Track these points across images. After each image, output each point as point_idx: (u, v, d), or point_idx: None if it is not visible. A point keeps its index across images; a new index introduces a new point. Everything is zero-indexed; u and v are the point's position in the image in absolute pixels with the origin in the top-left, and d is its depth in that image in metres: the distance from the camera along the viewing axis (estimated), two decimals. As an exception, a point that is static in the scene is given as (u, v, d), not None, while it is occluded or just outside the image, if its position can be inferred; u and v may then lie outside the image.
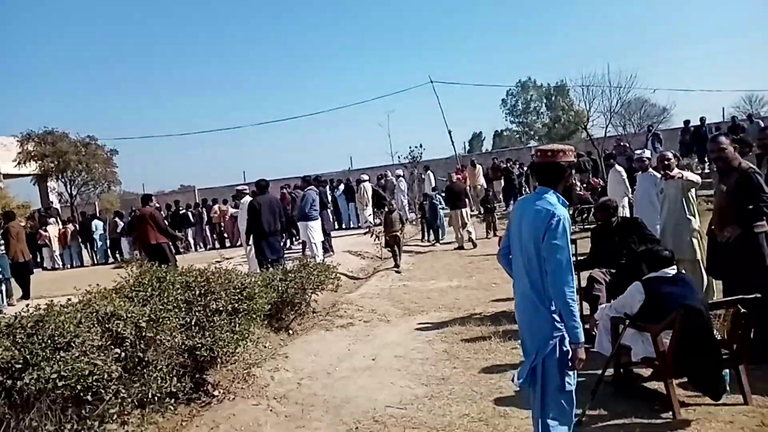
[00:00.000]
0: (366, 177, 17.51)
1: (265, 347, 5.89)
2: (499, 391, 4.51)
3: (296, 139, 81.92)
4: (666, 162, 5.98)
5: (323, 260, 9.37)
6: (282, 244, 11.73)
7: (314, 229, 11.06)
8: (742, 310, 3.84)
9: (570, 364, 2.88)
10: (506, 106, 56.87)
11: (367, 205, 16.67)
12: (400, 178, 18.33)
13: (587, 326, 5.18)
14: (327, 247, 11.96)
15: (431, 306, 7.53)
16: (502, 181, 19.13)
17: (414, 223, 16.98)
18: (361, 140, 70.19)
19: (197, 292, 5.01)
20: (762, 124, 13.59)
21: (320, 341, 6.21)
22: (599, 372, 3.92)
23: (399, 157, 18.73)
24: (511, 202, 17.74)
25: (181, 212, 18.78)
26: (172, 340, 4.13)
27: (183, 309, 4.68)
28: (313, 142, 76.97)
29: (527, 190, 18.85)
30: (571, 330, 2.84)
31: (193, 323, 4.70)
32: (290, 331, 6.56)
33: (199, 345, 4.58)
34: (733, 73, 67.02)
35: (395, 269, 10.35)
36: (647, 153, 7.51)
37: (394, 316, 7.14)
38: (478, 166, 19.18)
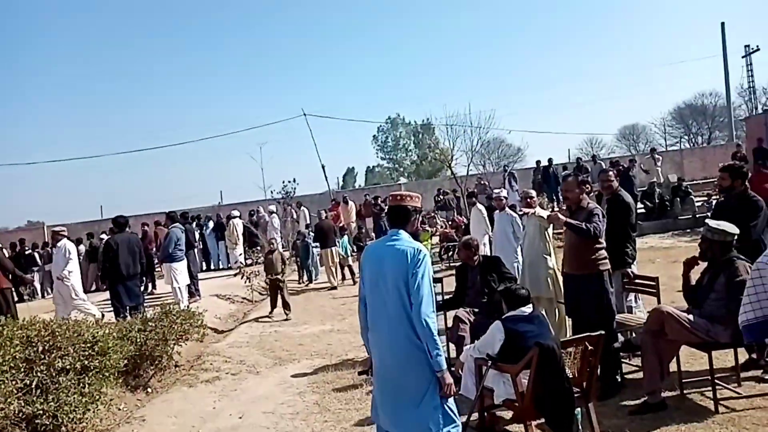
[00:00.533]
0: (237, 213, 16.86)
1: (119, 410, 5.38)
2: (370, 443, 4.46)
3: (161, 171, 77.57)
4: (528, 200, 6.42)
5: (188, 306, 8.83)
6: (143, 288, 10.90)
7: (179, 272, 10.43)
8: (589, 347, 4.14)
9: (443, 391, 3.08)
10: (377, 142, 58.59)
11: (237, 244, 15.92)
12: (273, 215, 17.88)
13: (453, 368, 5.35)
14: (193, 291, 11.32)
15: (303, 353, 7.34)
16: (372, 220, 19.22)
17: (288, 262, 16.62)
18: (231, 174, 68.18)
19: (40, 349, 4.49)
20: (603, 165, 15.24)
21: (182, 400, 5.77)
22: (465, 417, 4.01)
23: (272, 192, 18.46)
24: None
25: (27, 252, 16.97)
26: (7, 407, 3.63)
27: (22, 369, 4.17)
28: (180, 175, 73.53)
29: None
30: (436, 358, 3.04)
31: (33, 386, 4.18)
32: (149, 390, 6.05)
33: (40, 412, 4.07)
34: (577, 118, 75.03)
35: (268, 315, 9.83)
36: (504, 192, 8.02)
37: (264, 367, 6.84)
38: (350, 202, 19.16)
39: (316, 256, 13.70)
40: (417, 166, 55.36)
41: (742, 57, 34.16)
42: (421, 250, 3.13)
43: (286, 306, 9.74)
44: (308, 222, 17.68)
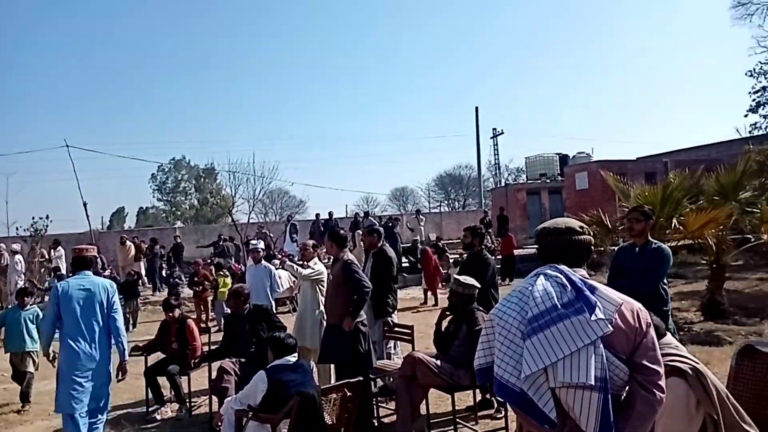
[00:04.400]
0: (-32, 251, 14.15)
1: None
2: None
3: None
4: (305, 251, 6.53)
5: None
6: None
7: None
8: (349, 394, 4.30)
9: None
10: (156, 182, 55.01)
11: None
12: (17, 255, 15.32)
13: (214, 421, 5.10)
14: None
15: (39, 413, 6.30)
16: (144, 263, 17.56)
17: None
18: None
19: None
20: (371, 222, 16.35)
21: None
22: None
23: (17, 229, 15.90)
24: (157, 284, 16.65)
25: None
26: None
27: None
28: None
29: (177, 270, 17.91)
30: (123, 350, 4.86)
31: None
32: None
33: None
34: (355, 176, 79.82)
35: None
36: (261, 244, 8.08)
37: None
38: (128, 243, 17.18)
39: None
40: (196, 210, 53.11)
41: (491, 138, 40.16)
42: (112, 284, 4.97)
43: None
44: (62, 264, 15.53)
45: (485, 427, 5.06)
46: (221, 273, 11.89)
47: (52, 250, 16.53)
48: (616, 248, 5.49)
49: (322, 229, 19.13)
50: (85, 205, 20.45)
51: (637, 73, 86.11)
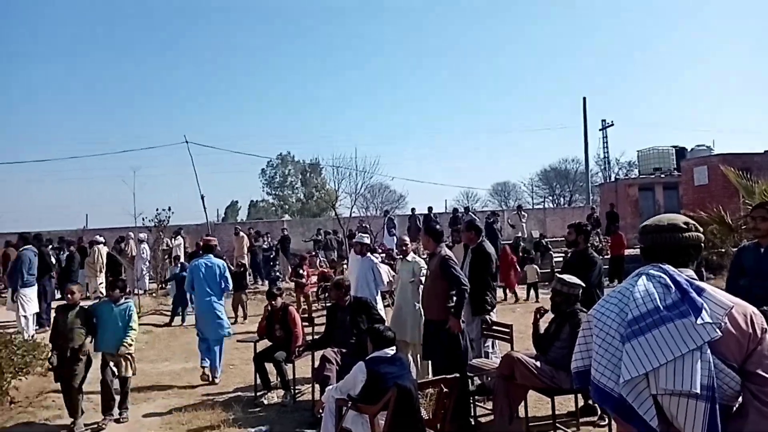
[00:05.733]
0: (101, 239, 15.59)
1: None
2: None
3: (20, 187, 70.49)
4: (404, 247, 6.65)
5: (33, 337, 8.03)
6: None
7: (28, 298, 9.51)
8: (445, 390, 4.33)
9: None
10: (265, 177, 57.87)
11: (100, 272, 14.71)
12: (143, 243, 16.78)
13: (316, 409, 5.33)
14: (43, 321, 10.31)
15: (159, 392, 6.91)
16: (250, 255, 18.14)
17: (155, 294, 15.63)
18: (100, 197, 63.10)
19: None
20: (471, 217, 16.17)
21: (15, 440, 5.18)
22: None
23: (143, 220, 17.37)
24: (257, 277, 17.52)
25: None
26: None
27: None
28: (42, 193, 67.14)
29: (279, 264, 18.82)
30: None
31: None
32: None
33: None
34: (455, 171, 79.18)
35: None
36: (366, 238, 8.18)
37: (113, 406, 6.35)
38: (242, 234, 18.06)
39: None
40: (302, 204, 55.25)
41: (600, 129, 38.24)
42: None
43: None
44: (181, 252, 16.76)
45: (587, 434, 4.89)
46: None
47: (173, 240, 17.90)
48: (737, 249, 5.06)
49: (419, 224, 19.23)
50: (203, 197, 22.04)
51: (765, 55, 77.96)
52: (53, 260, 13.04)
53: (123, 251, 16.61)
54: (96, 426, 5.65)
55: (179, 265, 13.26)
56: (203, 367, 7.23)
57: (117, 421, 5.76)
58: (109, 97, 77.96)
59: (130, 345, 5.86)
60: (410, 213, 21.30)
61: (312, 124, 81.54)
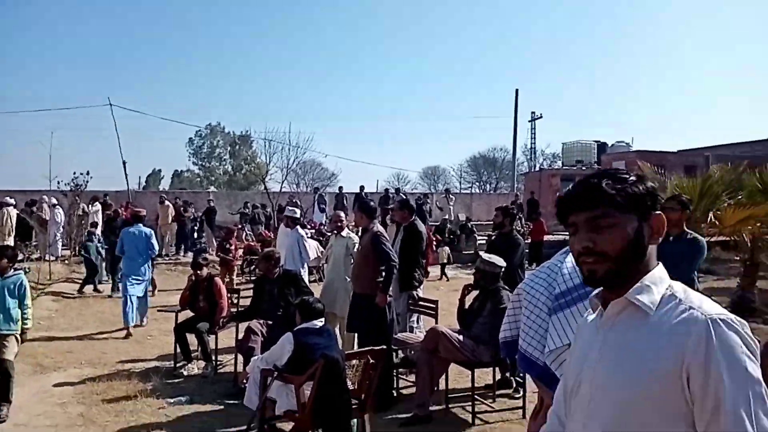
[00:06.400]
0: (12, 200, 14.61)
1: None
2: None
3: None
4: (338, 222, 6.64)
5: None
6: None
7: None
8: (371, 361, 4.39)
9: None
10: (192, 146, 55.82)
11: (8, 235, 13.75)
12: (57, 207, 15.83)
13: (239, 379, 5.27)
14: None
15: (71, 361, 6.57)
16: (175, 225, 17.59)
17: (67, 261, 14.82)
18: (12, 158, 58.71)
19: None
20: (403, 198, 16.34)
21: None
22: (244, 427, 3.96)
23: (59, 183, 16.36)
24: (182, 248, 17.03)
25: None
26: None
27: None
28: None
29: (204, 236, 18.34)
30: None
31: None
32: None
33: None
34: (387, 153, 79.66)
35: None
36: (297, 212, 8.18)
37: (21, 374, 5.96)
38: (167, 203, 17.27)
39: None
40: (230, 176, 53.81)
41: (529, 121, 39.38)
42: None
43: None
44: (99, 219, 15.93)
45: (502, 406, 5.10)
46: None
47: (90, 206, 16.97)
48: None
49: (345, 202, 19.23)
50: (124, 164, 20.98)
51: (685, 65, 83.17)
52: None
53: (34, 214, 15.62)
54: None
55: (101, 232, 12.86)
56: (126, 327, 7.85)
57: None
58: (28, 55, 72.29)
59: (27, 328, 5.08)
60: (337, 191, 21.25)
61: (245, 97, 79.36)
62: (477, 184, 58.02)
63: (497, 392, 5.29)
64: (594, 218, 1.24)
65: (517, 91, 34.15)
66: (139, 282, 8.27)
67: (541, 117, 39.07)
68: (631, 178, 1.28)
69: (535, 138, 40.77)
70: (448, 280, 13.50)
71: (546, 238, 16.36)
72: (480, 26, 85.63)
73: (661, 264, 1.33)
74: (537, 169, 36.96)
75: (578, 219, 1.26)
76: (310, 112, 76.14)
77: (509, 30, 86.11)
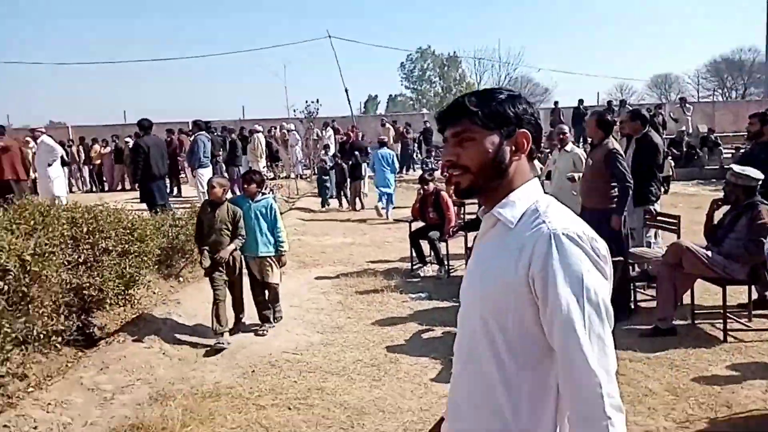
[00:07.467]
0: (260, 128, 16.88)
1: (154, 293, 5.73)
2: (390, 339, 4.74)
3: (185, 82, 76.96)
4: (561, 136, 6.46)
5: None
6: (168, 191, 11.17)
7: (205, 177, 10.67)
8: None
9: None
10: (404, 71, 57.50)
11: (261, 157, 16.06)
12: (292, 132, 17.95)
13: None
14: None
15: (326, 260, 7.65)
16: (399, 146, 18.82)
17: (309, 179, 16.82)
18: (255, 91, 67.32)
19: (84, 230, 4.73)
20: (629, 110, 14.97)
21: (213, 288, 6.11)
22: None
23: (294, 111, 18.37)
24: (404, 167, 18.09)
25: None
26: (58, 276, 3.90)
27: (69, 246, 4.43)
28: (203, 87, 72.81)
29: (419, 155, 19.28)
30: None
31: (81, 261, 4.46)
32: (180, 279, 6.38)
33: (87, 284, 4.37)
34: (608, 62, 72.55)
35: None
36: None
37: (289, 269, 7.13)
38: (388, 125, 18.74)
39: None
40: (440, 98, 54.53)
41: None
42: None
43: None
44: (332, 143, 17.65)
45: (759, 325, 4.67)
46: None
47: (323, 131, 18.85)
48: None
49: (562, 118, 18.21)
50: (346, 91, 22.56)
51: None
52: (227, 146, 14.38)
53: (276, 139, 17.94)
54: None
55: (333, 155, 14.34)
56: (378, 205, 11.09)
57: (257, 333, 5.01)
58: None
59: (284, 251, 5.17)
60: (552, 107, 20.21)
61: (453, 18, 78.22)
62: (720, 91, 50.19)
63: (753, 312, 4.82)
64: (457, 134, 1.31)
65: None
66: (387, 187, 11.32)
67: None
68: (501, 96, 1.31)
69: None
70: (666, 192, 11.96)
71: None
72: None
73: (536, 179, 1.34)
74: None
75: (448, 134, 1.33)
76: (519, 27, 72.31)
77: None
